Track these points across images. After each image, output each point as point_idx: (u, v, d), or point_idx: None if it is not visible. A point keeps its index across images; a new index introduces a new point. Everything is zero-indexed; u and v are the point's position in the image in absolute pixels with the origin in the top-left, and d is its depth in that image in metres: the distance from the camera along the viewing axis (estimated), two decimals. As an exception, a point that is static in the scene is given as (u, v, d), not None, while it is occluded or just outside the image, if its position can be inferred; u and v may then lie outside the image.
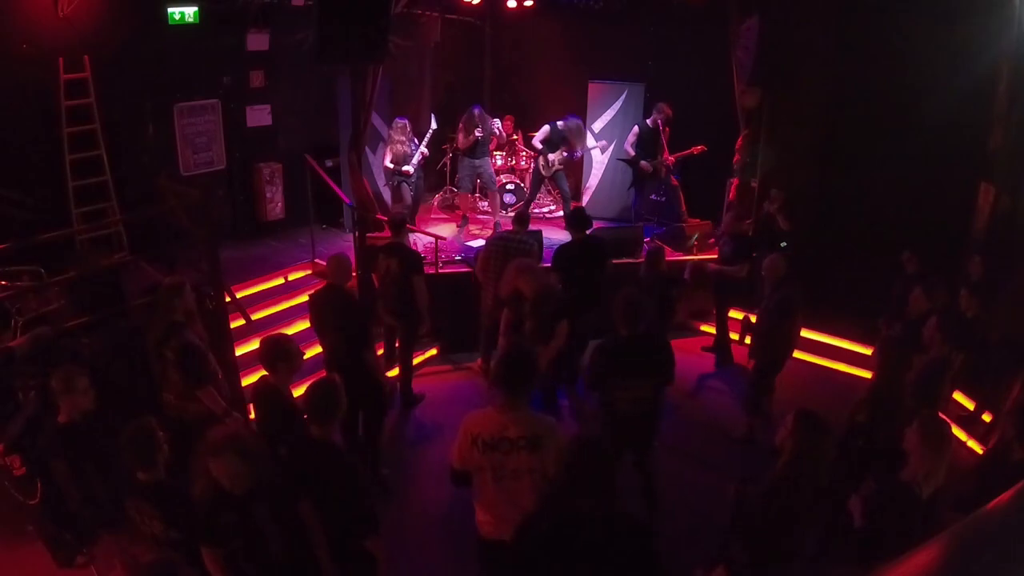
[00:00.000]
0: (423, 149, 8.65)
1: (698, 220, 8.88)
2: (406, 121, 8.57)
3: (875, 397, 4.36)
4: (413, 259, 6.16)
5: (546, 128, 9.03)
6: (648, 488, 4.79)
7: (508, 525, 3.32)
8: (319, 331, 5.39)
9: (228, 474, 3.08)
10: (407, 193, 8.68)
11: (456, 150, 9.24)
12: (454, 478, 3.48)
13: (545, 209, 9.99)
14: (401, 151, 8.49)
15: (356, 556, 3.47)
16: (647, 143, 8.80)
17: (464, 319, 7.27)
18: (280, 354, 4.06)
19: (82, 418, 3.76)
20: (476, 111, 8.74)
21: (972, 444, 5.95)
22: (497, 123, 9.14)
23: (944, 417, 5.38)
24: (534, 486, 3.29)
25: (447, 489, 4.91)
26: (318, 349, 6.70)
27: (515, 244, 6.51)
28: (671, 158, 8.79)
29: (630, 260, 7.74)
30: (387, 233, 6.48)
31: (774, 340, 5.88)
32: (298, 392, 4.34)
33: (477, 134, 8.66)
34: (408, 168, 8.53)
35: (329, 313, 5.24)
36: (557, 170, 9.08)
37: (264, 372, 4.18)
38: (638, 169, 8.90)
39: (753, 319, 6.92)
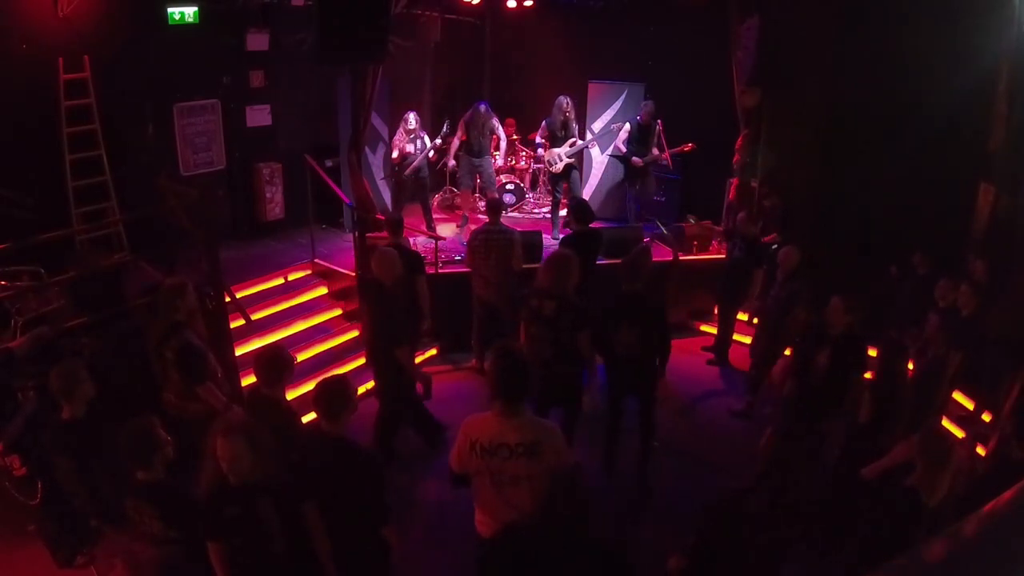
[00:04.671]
0: (426, 154, 8.51)
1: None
2: (411, 114, 8.45)
3: (876, 398, 4.36)
4: (415, 260, 6.19)
5: (543, 125, 8.89)
6: (645, 437, 5.46)
7: (507, 528, 3.36)
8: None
9: (230, 457, 3.10)
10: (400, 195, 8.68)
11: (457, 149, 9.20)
12: (453, 479, 3.49)
13: (545, 209, 9.99)
14: (403, 149, 8.44)
15: (368, 546, 3.53)
16: (637, 140, 8.86)
17: (464, 319, 7.27)
18: (284, 366, 4.05)
19: (85, 414, 3.76)
20: (483, 107, 8.67)
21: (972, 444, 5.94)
22: (498, 125, 8.99)
23: (947, 425, 5.40)
24: (533, 491, 3.28)
25: (447, 488, 4.93)
26: (311, 352, 6.78)
27: (495, 236, 6.64)
28: (667, 154, 8.79)
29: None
30: (385, 234, 6.50)
31: (780, 331, 5.94)
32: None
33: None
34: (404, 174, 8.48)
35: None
36: (567, 164, 8.77)
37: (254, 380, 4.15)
38: (630, 165, 8.95)
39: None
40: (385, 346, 5.36)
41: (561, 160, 8.76)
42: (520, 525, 2.96)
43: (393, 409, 5.64)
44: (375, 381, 5.90)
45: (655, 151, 8.81)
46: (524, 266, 6.76)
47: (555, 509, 2.75)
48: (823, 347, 4.80)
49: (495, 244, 6.62)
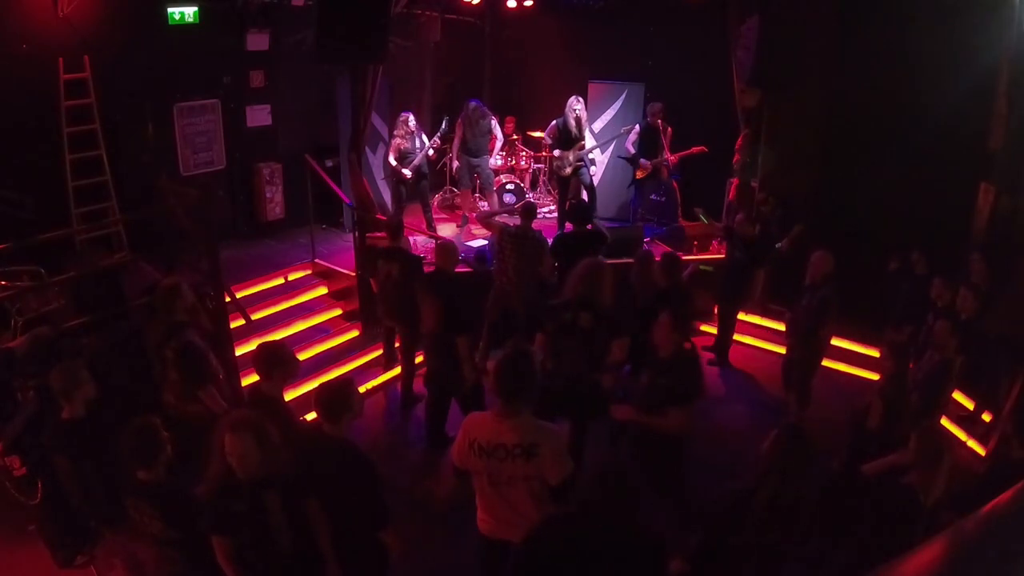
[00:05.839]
0: (426, 152, 8.48)
1: (690, 222, 8.88)
2: (409, 115, 8.44)
3: (886, 401, 4.33)
4: (414, 263, 6.17)
5: (552, 125, 8.75)
6: None
7: (506, 526, 3.37)
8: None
9: (239, 453, 3.10)
10: (401, 195, 8.66)
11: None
12: (456, 473, 3.51)
13: (545, 209, 9.98)
14: (402, 148, 8.43)
15: (366, 547, 3.54)
16: (647, 142, 8.79)
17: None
18: (277, 361, 4.02)
19: (85, 414, 3.76)
20: (473, 104, 8.65)
21: (972, 444, 5.94)
22: (496, 123, 9.00)
23: (943, 427, 5.35)
24: (530, 492, 3.30)
25: (448, 487, 4.92)
26: (311, 352, 6.77)
27: (525, 240, 6.51)
28: (673, 157, 8.78)
29: (629, 260, 7.73)
30: (384, 235, 6.49)
31: (812, 340, 5.88)
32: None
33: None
34: (406, 171, 8.45)
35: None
36: (576, 167, 8.65)
37: (255, 378, 4.14)
38: (638, 167, 8.90)
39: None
40: (449, 336, 5.29)
41: (570, 165, 8.66)
42: (563, 517, 2.95)
43: (462, 395, 5.54)
44: (430, 369, 5.81)
45: (667, 153, 8.76)
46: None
47: (607, 502, 2.76)
48: (648, 367, 4.38)
49: (523, 248, 6.46)
